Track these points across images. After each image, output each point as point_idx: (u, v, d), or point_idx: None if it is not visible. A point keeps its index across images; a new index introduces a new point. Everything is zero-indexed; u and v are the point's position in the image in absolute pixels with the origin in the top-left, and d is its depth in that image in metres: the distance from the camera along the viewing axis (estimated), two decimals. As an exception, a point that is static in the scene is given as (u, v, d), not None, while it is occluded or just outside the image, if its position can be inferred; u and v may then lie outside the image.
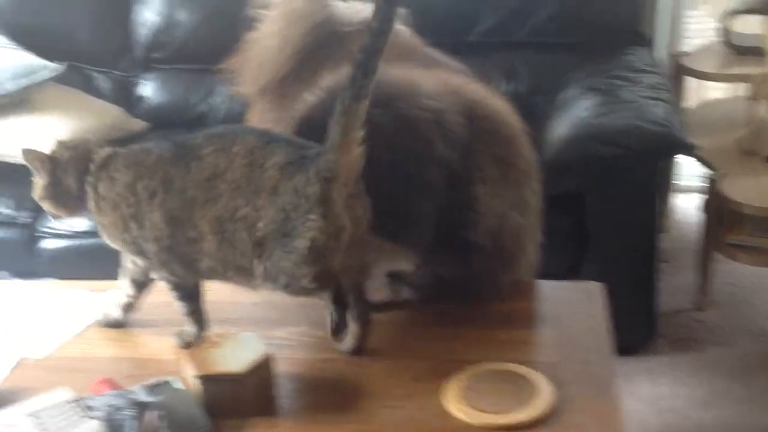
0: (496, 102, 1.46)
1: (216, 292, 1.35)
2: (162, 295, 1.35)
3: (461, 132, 1.36)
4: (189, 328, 1.34)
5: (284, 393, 1.24)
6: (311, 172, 1.17)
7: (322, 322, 1.33)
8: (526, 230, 1.43)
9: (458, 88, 1.43)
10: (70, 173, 1.30)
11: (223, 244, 1.22)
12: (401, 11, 1.75)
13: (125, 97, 2.91)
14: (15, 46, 2.78)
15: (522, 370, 1.23)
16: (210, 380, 1.18)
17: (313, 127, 1.25)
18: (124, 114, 2.80)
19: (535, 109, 2.39)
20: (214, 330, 1.31)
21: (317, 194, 1.17)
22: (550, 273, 1.51)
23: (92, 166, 1.29)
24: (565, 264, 2.18)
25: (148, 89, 2.94)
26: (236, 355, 1.20)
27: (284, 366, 1.26)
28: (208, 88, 2.86)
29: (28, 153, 1.31)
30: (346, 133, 1.17)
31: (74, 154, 1.31)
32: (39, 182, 1.32)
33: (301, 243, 1.18)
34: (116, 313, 1.41)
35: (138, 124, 2.81)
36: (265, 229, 1.19)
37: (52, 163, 1.31)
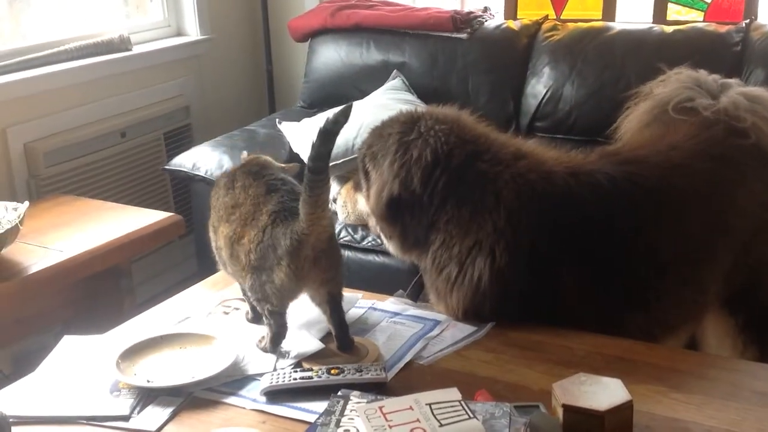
0: None
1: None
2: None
3: None
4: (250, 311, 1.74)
5: (640, 440, 1.33)
6: (289, 228, 1.50)
7: (681, 385, 1.43)
8: None
9: None
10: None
11: (231, 258, 1.60)
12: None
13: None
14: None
15: None
16: (574, 412, 1.31)
17: None
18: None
19: None
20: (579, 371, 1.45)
21: (288, 247, 1.49)
22: None
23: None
24: None
25: (527, 154, 3.20)
26: (601, 395, 1.33)
27: (641, 417, 1.36)
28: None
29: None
30: (312, 212, 1.47)
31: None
32: None
33: (276, 278, 1.52)
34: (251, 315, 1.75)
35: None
36: (255, 259, 1.54)
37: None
